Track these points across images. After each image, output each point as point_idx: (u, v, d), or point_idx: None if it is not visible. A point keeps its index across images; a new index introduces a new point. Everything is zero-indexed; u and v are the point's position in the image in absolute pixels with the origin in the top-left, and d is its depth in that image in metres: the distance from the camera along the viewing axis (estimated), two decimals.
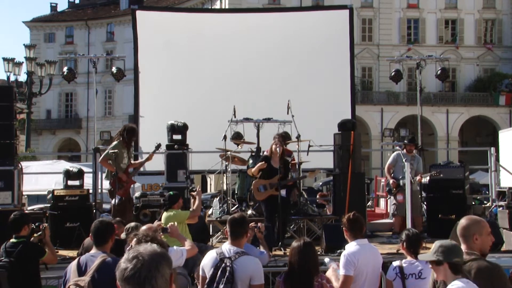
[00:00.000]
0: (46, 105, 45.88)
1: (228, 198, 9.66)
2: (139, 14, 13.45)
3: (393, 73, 11.94)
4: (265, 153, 8.79)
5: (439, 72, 11.91)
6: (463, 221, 3.67)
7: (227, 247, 4.37)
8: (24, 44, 23.43)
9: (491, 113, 38.38)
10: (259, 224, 5.38)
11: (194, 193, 6.84)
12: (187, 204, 8.34)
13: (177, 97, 12.94)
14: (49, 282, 6.33)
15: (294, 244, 4.43)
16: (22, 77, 31.00)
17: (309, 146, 9.79)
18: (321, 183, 19.08)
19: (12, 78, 22.10)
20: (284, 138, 9.01)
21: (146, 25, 13.17)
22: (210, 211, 9.78)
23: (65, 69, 11.64)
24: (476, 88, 39.38)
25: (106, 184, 9.75)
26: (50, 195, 9.16)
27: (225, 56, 13.13)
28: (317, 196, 11.21)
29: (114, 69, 11.48)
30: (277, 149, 8.09)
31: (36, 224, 6.02)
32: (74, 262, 4.20)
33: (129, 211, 8.55)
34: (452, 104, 38.59)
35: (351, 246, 4.76)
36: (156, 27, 13.27)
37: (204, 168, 11.11)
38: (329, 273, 4.67)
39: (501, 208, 9.36)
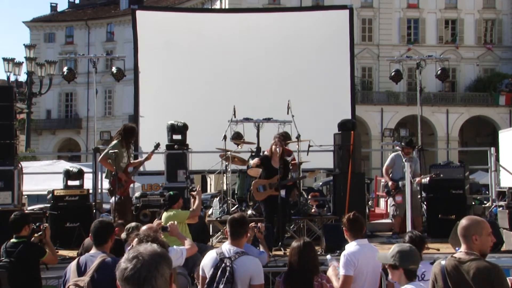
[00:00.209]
0: (46, 105, 45.90)
1: (228, 198, 9.65)
2: (139, 14, 13.45)
3: (393, 73, 11.93)
4: (265, 153, 8.79)
5: (439, 72, 11.89)
6: (463, 221, 3.67)
7: (227, 247, 4.37)
8: (24, 44, 23.43)
9: (491, 113, 38.39)
10: (259, 224, 5.39)
11: (194, 193, 6.84)
12: (187, 204, 8.34)
13: (177, 97, 12.94)
14: (49, 282, 6.32)
15: (294, 244, 4.44)
16: (22, 77, 31.06)
17: (309, 146, 9.79)
18: (321, 183, 19.04)
19: (12, 78, 22.12)
20: (284, 138, 9.02)
21: (146, 25, 13.17)
22: (210, 211, 9.77)
23: (65, 69, 11.63)
24: (476, 88, 39.40)
25: (106, 184, 9.74)
26: (50, 195, 9.17)
27: (225, 56, 13.13)
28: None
29: (114, 69, 11.46)
30: (277, 149, 8.10)
31: (37, 224, 6.03)
32: (74, 262, 4.20)
33: (129, 211, 8.55)
34: (452, 104, 38.59)
35: (351, 246, 4.76)
36: (156, 27, 13.27)
37: (204, 168, 11.12)
38: (330, 272, 4.67)
39: (501, 208, 9.34)
